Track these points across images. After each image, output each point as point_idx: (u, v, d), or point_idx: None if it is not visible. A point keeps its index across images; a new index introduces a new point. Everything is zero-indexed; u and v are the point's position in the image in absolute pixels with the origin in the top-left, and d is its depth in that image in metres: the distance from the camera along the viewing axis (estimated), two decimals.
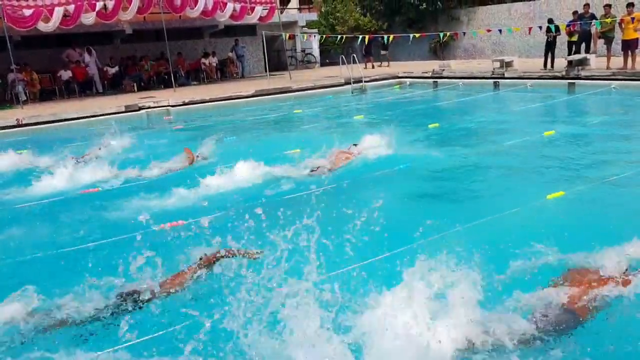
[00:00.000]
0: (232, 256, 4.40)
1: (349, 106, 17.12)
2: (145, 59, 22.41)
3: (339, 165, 8.50)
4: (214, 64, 24.20)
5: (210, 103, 17.72)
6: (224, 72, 25.10)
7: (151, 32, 23.13)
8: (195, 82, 23.31)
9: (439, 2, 27.96)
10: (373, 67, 25.45)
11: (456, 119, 13.11)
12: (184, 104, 17.38)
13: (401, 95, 18.40)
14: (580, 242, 4.85)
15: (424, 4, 27.97)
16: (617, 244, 4.66)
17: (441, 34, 20.82)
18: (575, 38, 17.30)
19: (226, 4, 20.66)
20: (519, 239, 5.02)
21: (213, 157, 9.70)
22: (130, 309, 4.16)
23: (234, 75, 25.09)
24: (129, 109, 16.63)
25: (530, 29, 18.25)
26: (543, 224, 5.74)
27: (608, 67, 16.31)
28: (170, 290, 4.38)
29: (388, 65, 26.05)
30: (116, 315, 4.14)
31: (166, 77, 21.61)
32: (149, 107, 16.94)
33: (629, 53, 15.88)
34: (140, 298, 4.20)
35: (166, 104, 17.16)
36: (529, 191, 6.96)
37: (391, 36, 20.55)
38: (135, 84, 21.42)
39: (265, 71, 23.04)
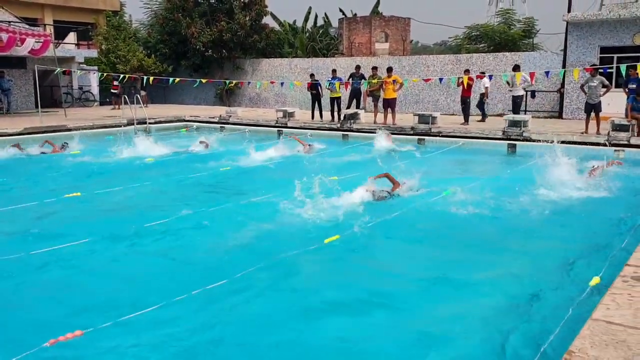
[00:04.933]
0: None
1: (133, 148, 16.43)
2: None
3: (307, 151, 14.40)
4: None
5: None
6: None
7: None
8: None
9: (224, 51, 28.79)
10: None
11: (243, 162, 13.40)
12: None
13: (188, 138, 18.28)
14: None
15: (210, 50, 28.56)
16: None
17: (227, 82, 21.37)
18: (338, 94, 19.06)
19: None
20: None
21: None
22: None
23: None
24: None
25: (309, 84, 19.75)
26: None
27: (375, 122, 18.35)
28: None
29: (146, 106, 25.59)
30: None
31: None
32: None
33: (389, 110, 18.12)
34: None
35: None
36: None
37: (177, 79, 20.43)
38: None
39: (36, 107, 21.08)
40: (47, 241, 6.91)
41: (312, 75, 19.90)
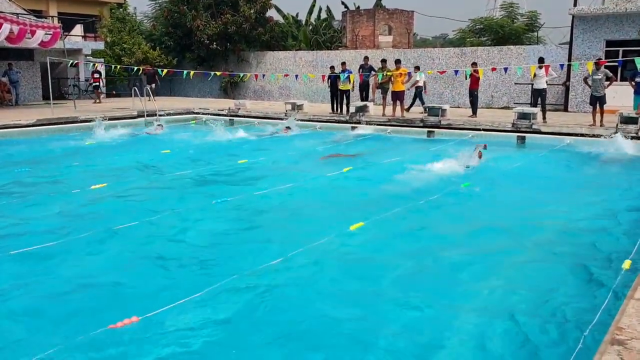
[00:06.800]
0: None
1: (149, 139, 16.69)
2: None
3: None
4: None
5: None
6: None
7: None
8: None
9: (228, 43, 28.93)
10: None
11: (256, 154, 13.62)
12: None
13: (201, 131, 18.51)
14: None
15: (215, 43, 28.68)
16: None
17: (240, 75, 21.57)
18: (347, 87, 19.16)
19: (2, 24, 18.60)
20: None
21: None
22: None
23: (7, 102, 22.60)
24: None
25: (323, 76, 19.90)
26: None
27: (383, 114, 18.56)
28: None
29: (155, 99, 25.23)
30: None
31: None
32: None
33: (397, 103, 18.29)
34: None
35: None
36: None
37: (192, 72, 20.54)
38: None
39: (44, 99, 21.20)
40: (103, 225, 7.20)
41: (332, 68, 19.79)
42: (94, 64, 24.12)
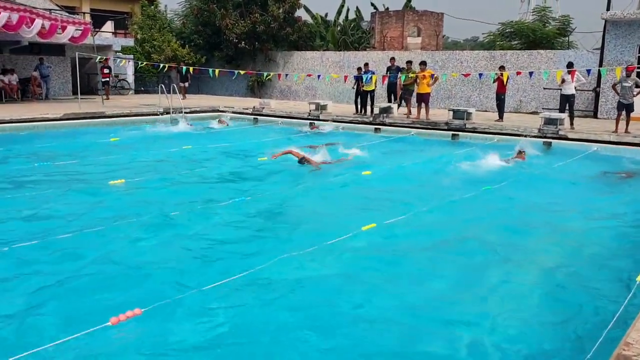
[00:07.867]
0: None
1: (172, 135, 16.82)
2: None
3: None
4: (15, 82, 22.03)
5: (10, 124, 15.99)
6: (26, 92, 22.97)
7: None
8: None
9: (256, 43, 29.06)
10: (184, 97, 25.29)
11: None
12: None
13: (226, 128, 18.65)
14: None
15: (243, 42, 28.84)
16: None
17: (265, 74, 21.65)
18: (371, 88, 19.03)
19: (34, 20, 19.00)
20: None
21: None
22: None
23: (38, 96, 23.07)
24: None
25: (346, 77, 19.85)
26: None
27: (408, 116, 18.38)
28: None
29: (184, 97, 24.45)
30: None
31: None
32: None
33: (422, 105, 18.09)
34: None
35: None
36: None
37: (217, 70, 20.67)
38: None
39: (73, 94, 21.55)
40: (107, 220, 7.24)
41: (359, 69, 19.58)
42: (101, 59, 23.89)
